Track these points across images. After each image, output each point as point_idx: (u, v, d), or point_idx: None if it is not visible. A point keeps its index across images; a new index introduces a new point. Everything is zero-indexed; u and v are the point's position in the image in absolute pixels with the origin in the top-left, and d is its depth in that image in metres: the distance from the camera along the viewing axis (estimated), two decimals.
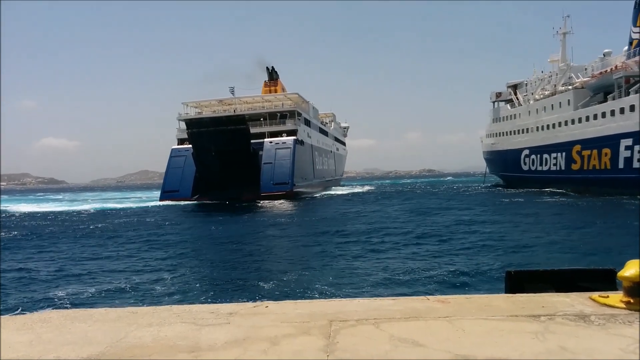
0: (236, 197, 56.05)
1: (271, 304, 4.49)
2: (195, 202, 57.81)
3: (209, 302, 7.88)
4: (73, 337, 3.69)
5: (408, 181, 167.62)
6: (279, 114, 69.92)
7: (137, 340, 3.58)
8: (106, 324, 4.00)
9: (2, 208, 60.96)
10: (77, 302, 12.88)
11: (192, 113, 71.06)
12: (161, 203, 58.68)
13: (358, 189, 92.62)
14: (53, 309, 8.66)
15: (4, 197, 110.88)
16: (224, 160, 56.32)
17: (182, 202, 57.12)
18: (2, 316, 4.48)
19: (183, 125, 61.40)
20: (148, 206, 56.55)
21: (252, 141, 59.12)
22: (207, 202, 56.88)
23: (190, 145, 59.39)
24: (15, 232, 31.86)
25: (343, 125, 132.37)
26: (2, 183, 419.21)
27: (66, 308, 10.51)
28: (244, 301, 5.63)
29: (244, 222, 33.74)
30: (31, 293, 14.31)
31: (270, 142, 62.95)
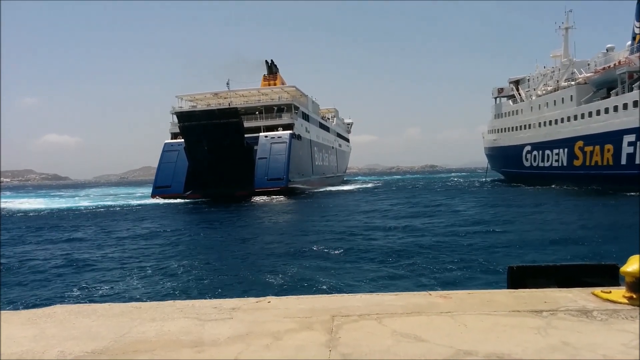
0: (229, 193, 54.71)
1: (273, 299, 4.50)
2: (187, 198, 56.38)
3: (212, 298, 7.90)
4: (77, 332, 3.71)
5: (411, 177, 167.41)
6: (275, 108, 68.29)
7: (140, 335, 3.60)
8: (110, 319, 4.02)
9: (8, 205, 60.99)
10: (81, 297, 12.94)
11: (187, 106, 69.19)
12: (154, 201, 56.95)
13: (361, 185, 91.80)
14: (57, 304, 8.71)
15: (8, 193, 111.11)
16: (216, 155, 55.02)
17: (176, 200, 55.71)
18: (6, 311, 4.51)
19: (177, 119, 59.77)
20: (145, 204, 55.40)
21: (247, 135, 57.57)
22: (199, 199, 55.44)
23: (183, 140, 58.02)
24: (19, 228, 31.96)
25: (347, 121, 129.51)
26: (6, 179, 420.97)
27: (70, 303, 10.56)
28: (247, 296, 5.65)
29: (241, 218, 33.76)
30: (35, 288, 14.37)
31: (266, 137, 61.29)
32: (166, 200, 55.49)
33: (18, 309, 8.98)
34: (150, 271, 16.31)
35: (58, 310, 4.38)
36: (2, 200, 72.17)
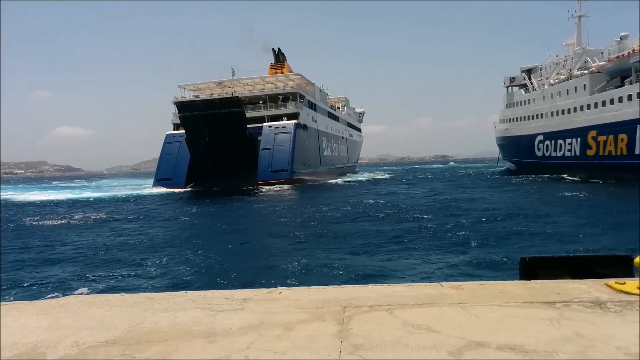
0: (231, 185, 53.16)
1: (285, 290, 4.51)
2: (188, 189, 55.17)
3: (224, 288, 7.95)
4: (91, 322, 3.75)
5: (424, 167, 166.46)
6: (280, 97, 65.85)
7: (153, 325, 3.63)
8: (123, 310, 4.06)
9: (19, 197, 61.59)
10: (94, 288, 13.07)
11: (189, 96, 66.76)
12: (158, 191, 55.57)
13: (374, 176, 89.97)
14: (71, 294, 8.79)
15: (21, 185, 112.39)
16: (218, 146, 53.39)
17: (179, 190, 54.71)
18: (21, 301, 4.57)
19: (177, 109, 57.69)
20: (151, 194, 54.52)
21: (250, 126, 56.21)
22: (199, 189, 54.26)
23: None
24: (30, 220, 32.31)
25: (358, 110, 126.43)
26: (20, 171, 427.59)
27: (84, 294, 10.68)
28: (258, 287, 5.69)
29: (248, 210, 33.83)
30: (49, 279, 14.53)
31: (270, 127, 59.39)
32: (170, 190, 54.45)
33: (32, 299, 9.10)
34: (161, 262, 16.43)
35: (72, 300, 4.43)
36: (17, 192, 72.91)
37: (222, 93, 67.14)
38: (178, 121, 59.62)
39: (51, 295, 12.21)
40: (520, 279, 4.83)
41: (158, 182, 58.94)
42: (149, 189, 60.54)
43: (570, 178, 52.37)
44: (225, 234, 22.73)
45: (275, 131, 59.09)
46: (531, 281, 4.52)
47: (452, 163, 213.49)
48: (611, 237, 17.70)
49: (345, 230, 21.82)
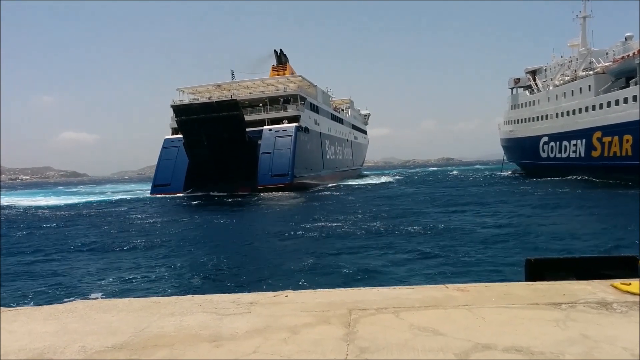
0: (231, 191, 52.44)
1: (291, 294, 4.52)
2: (187, 195, 54.14)
3: (230, 292, 7.96)
4: (98, 327, 3.77)
5: (430, 170, 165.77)
6: (281, 99, 64.68)
7: (160, 329, 3.64)
8: (130, 314, 4.08)
9: (24, 202, 61.88)
10: (101, 293, 13.10)
11: (188, 99, 65.29)
12: (155, 196, 55.11)
13: (378, 180, 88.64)
14: (78, 299, 8.83)
15: (28, 190, 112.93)
16: (216, 151, 52.73)
17: (178, 194, 54.07)
18: (28, 307, 4.60)
19: (174, 113, 56.60)
20: (151, 197, 54.34)
21: (250, 129, 55.21)
22: (197, 195, 53.34)
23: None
24: (35, 225, 32.43)
25: (363, 112, 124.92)
26: (25, 177, 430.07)
27: (91, 299, 10.69)
28: (264, 291, 5.70)
29: (251, 214, 33.85)
30: (56, 284, 14.58)
31: (270, 130, 58.16)
32: (168, 195, 53.80)
33: (40, 304, 9.12)
34: (166, 267, 16.46)
35: (79, 305, 4.46)
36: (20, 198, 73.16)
37: (222, 96, 65.56)
38: (176, 125, 58.15)
39: (65, 300, 12.27)
40: (526, 280, 4.83)
41: (156, 188, 57.95)
42: (148, 194, 59.58)
43: (578, 177, 52.33)
44: (227, 238, 22.74)
45: (276, 134, 57.93)
46: (537, 283, 4.52)
47: (452, 168, 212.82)
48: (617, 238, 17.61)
49: (347, 232, 21.80)
